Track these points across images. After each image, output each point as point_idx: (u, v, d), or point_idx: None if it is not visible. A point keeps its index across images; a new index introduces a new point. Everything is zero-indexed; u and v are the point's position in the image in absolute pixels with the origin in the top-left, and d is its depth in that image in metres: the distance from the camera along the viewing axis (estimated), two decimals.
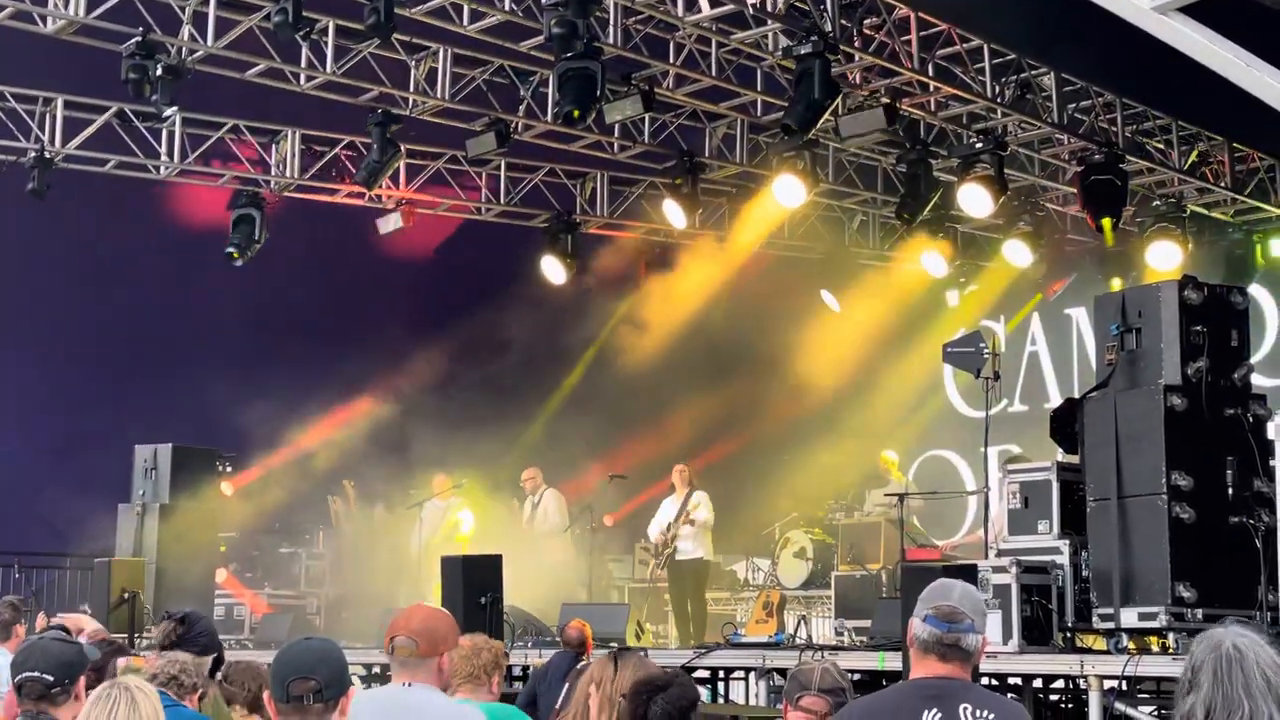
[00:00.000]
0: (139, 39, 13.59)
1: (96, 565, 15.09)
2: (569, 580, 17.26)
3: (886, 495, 16.15)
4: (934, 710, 4.44)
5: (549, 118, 15.72)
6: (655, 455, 18.03)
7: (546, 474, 17.79)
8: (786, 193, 15.90)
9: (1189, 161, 16.72)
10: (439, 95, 15.23)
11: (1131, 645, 9.70)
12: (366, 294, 19.52)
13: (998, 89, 14.85)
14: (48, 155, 15.97)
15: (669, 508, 16.57)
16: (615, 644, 12.85)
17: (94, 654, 5.76)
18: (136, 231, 18.16)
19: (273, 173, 17.19)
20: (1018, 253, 17.69)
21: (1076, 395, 11.02)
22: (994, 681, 10.34)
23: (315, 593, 18.09)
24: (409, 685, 5.21)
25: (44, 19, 13.68)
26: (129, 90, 13.88)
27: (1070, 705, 11.01)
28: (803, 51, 13.03)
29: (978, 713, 4.44)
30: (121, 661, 6.26)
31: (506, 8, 13.41)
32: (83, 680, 5.05)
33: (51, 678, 4.98)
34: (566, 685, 9.33)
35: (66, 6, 13.46)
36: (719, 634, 15.03)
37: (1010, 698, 10.14)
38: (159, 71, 13.63)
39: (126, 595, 14.17)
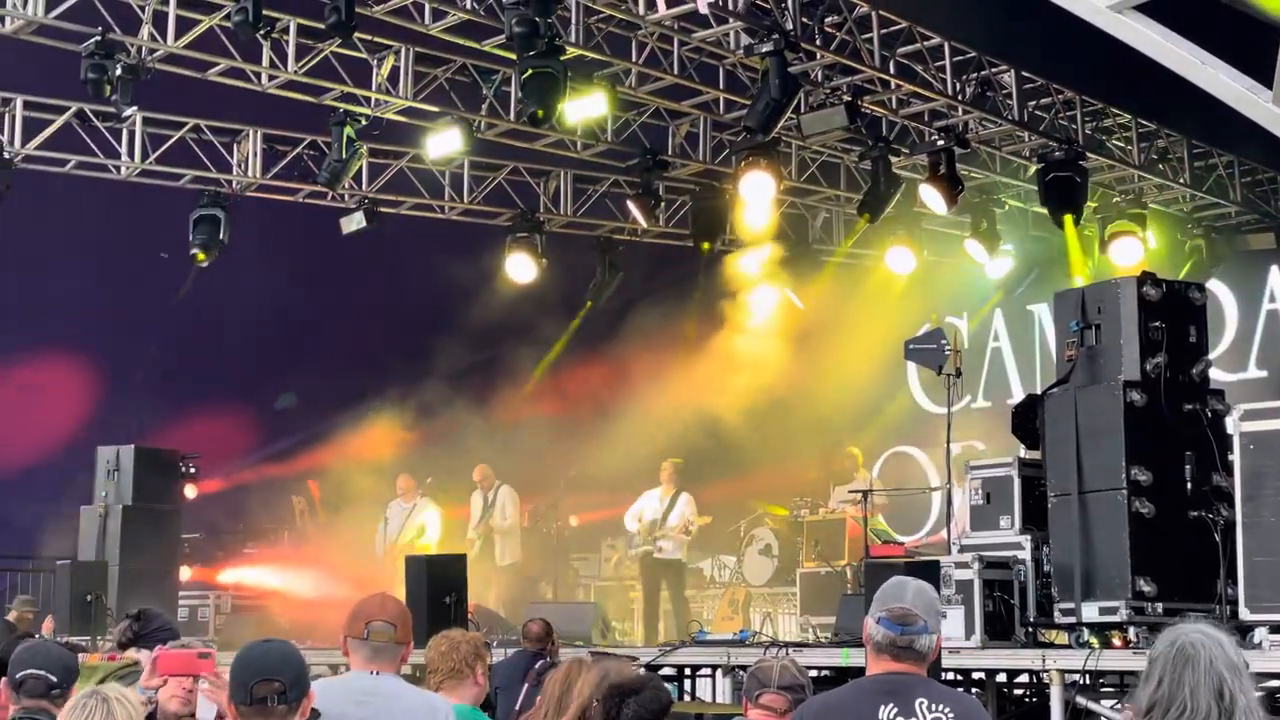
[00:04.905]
0: (98, 38, 13.55)
1: (58, 568, 15.00)
2: (534, 578, 17.26)
3: (851, 492, 16.19)
4: (890, 705, 4.48)
5: (512, 116, 15.72)
6: (619, 454, 18.01)
7: (513, 472, 17.77)
8: (754, 190, 15.88)
9: (1148, 158, 16.84)
10: (401, 94, 15.21)
11: (1093, 640, 9.76)
12: (331, 294, 19.40)
13: (958, 86, 14.93)
14: (7, 156, 15.87)
15: (651, 500, 16.51)
16: (581, 643, 12.86)
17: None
18: (100, 229, 18.04)
19: (234, 172, 17.12)
20: (979, 249, 17.80)
21: (1039, 391, 11.06)
22: (957, 677, 10.38)
23: (280, 593, 18.01)
24: (377, 674, 5.18)
25: (2, 19, 13.60)
26: (88, 90, 13.82)
27: (1033, 700, 11.06)
28: (764, 50, 13.07)
29: (934, 707, 4.48)
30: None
31: (468, 6, 13.39)
32: (75, 689, 5.06)
33: (55, 679, 5.00)
34: (527, 685, 9.29)
35: (25, 6, 13.39)
36: (685, 632, 15.05)
37: (974, 693, 10.21)
38: (118, 71, 13.59)
39: (89, 598, 14.10)
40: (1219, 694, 3.86)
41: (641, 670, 5.46)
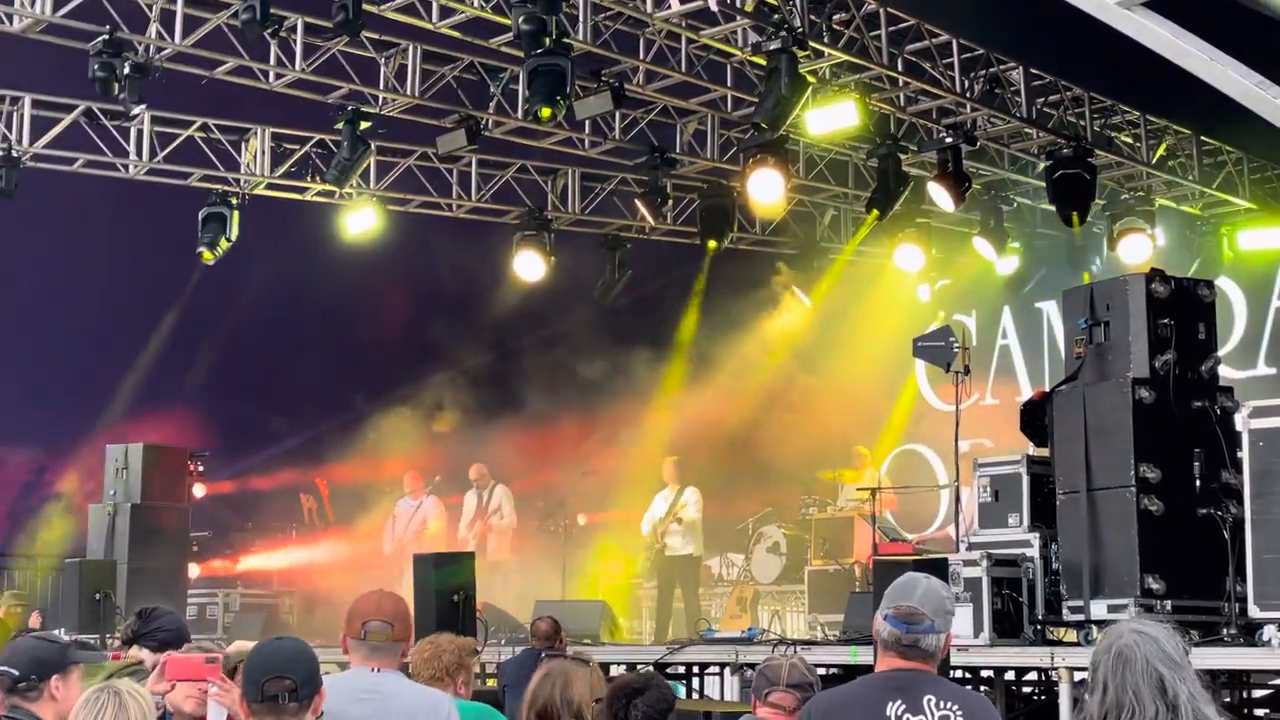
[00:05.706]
0: (106, 37, 13.55)
1: (66, 566, 15.03)
2: (544, 576, 17.23)
3: (859, 490, 16.19)
4: (898, 702, 4.48)
5: (519, 114, 15.71)
6: (628, 452, 18.02)
7: (519, 470, 17.74)
8: (762, 188, 15.84)
9: (1157, 155, 16.82)
10: (409, 92, 15.21)
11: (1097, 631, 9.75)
12: (336, 293, 19.41)
13: (967, 84, 14.90)
14: (15, 154, 15.88)
15: (660, 503, 16.50)
16: (589, 640, 12.86)
17: (88, 657, 5.67)
18: (114, 230, 18.09)
19: (242, 171, 17.13)
20: (988, 247, 17.79)
21: (1047, 388, 11.04)
22: (965, 674, 10.37)
23: (288, 591, 18.04)
24: (378, 671, 5.21)
25: (10, 17, 13.62)
26: (97, 88, 13.83)
27: (1042, 697, 11.05)
28: (772, 47, 13.05)
29: (942, 704, 4.48)
30: None
31: (476, 4, 13.38)
32: (55, 680, 5.04)
33: (17, 673, 5.00)
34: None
35: (33, 5, 13.41)
36: (693, 629, 15.05)
37: (982, 691, 10.20)
38: (127, 69, 13.60)
39: (98, 596, 14.12)
40: (1161, 690, 3.90)
41: (624, 670, 5.44)
